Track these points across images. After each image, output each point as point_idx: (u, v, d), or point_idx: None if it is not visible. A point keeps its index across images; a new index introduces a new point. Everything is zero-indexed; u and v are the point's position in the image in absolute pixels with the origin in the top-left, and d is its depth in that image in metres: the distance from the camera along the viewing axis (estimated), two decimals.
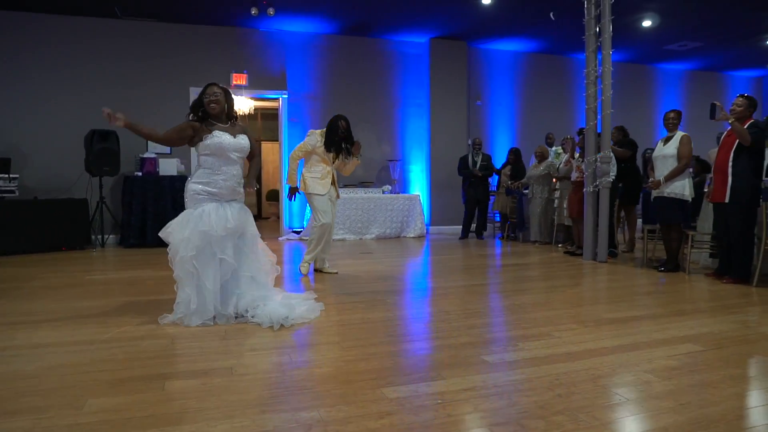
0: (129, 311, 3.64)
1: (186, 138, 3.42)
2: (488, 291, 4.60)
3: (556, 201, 7.49)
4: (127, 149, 7.60)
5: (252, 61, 8.54)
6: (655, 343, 2.93)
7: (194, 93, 8.17)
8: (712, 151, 8.45)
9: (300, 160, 5.17)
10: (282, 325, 3.20)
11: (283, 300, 3.54)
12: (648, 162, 7.89)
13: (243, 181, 3.56)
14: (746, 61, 10.48)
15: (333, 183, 5.16)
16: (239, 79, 8.42)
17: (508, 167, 8.51)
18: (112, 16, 7.75)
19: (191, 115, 3.48)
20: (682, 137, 5.18)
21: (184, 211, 3.39)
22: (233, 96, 3.66)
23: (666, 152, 5.23)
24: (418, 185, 9.54)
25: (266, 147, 12.57)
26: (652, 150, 8.63)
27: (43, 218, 6.82)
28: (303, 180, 5.10)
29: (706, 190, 5.63)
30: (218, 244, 3.29)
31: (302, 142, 5.12)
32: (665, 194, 5.20)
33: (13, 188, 6.84)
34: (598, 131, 5.97)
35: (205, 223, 3.28)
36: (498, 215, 9.02)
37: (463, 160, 8.51)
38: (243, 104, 9.55)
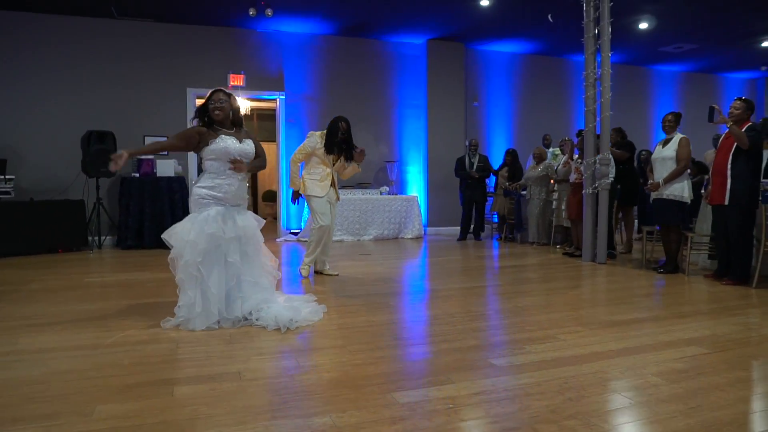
0: (130, 314, 3.61)
1: (193, 144, 3.41)
2: (490, 293, 4.61)
3: (554, 202, 7.51)
4: None
5: (249, 62, 8.51)
6: (660, 345, 2.94)
7: (191, 94, 8.24)
8: (708, 153, 8.52)
9: (301, 163, 5.15)
10: (288, 328, 3.20)
11: (286, 302, 3.54)
12: (644, 163, 7.96)
13: (247, 186, 3.57)
14: (741, 63, 10.56)
15: (333, 185, 5.15)
16: (236, 79, 8.40)
17: (506, 168, 8.53)
18: (109, 16, 7.69)
19: (197, 120, 3.47)
20: (680, 139, 5.21)
21: (190, 215, 3.39)
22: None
23: (665, 154, 5.26)
24: (416, 186, 9.54)
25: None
26: (648, 151, 8.74)
27: (39, 220, 6.77)
28: (302, 182, 5.07)
29: (703, 191, 5.67)
30: (226, 246, 3.29)
31: (302, 144, 5.10)
32: (664, 196, 5.22)
33: (8, 189, 6.78)
34: (597, 133, 6.00)
35: (212, 225, 3.27)
36: (496, 216, 9.04)
37: (460, 162, 8.51)
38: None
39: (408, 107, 9.44)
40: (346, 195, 8.44)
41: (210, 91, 3.49)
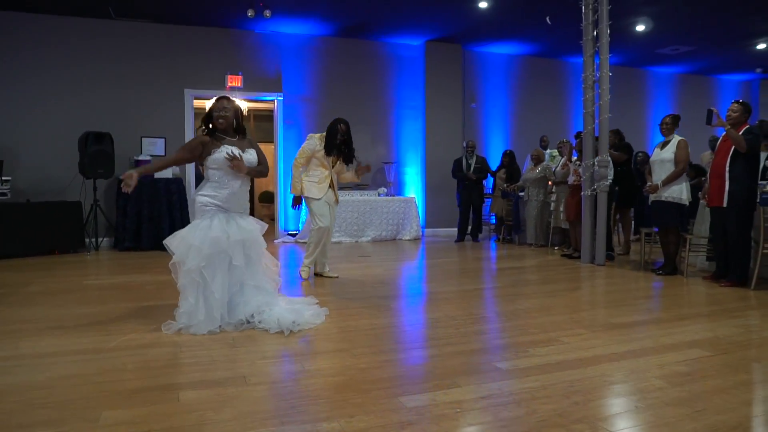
0: (131, 318, 3.60)
1: (197, 154, 3.42)
2: (491, 295, 4.61)
3: (552, 204, 7.54)
4: (122, 152, 7.52)
5: (247, 63, 8.50)
6: (663, 348, 2.96)
7: (189, 95, 8.22)
8: (705, 154, 8.60)
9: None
10: (291, 331, 3.19)
11: (288, 305, 3.54)
12: (640, 165, 8.00)
13: (248, 195, 3.58)
14: (736, 64, 10.63)
15: (332, 187, 5.14)
16: (234, 80, 8.39)
17: (503, 170, 8.54)
18: (107, 16, 7.66)
19: (203, 128, 3.47)
20: (679, 142, 5.24)
21: (193, 222, 3.41)
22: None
23: (663, 157, 5.28)
24: (413, 188, 9.55)
25: None
26: (645, 153, 8.78)
27: (36, 221, 6.72)
28: (301, 183, 5.08)
29: (701, 194, 5.70)
30: (231, 250, 3.30)
31: (302, 148, 5.11)
32: (663, 198, 5.25)
33: (5, 191, 6.74)
34: (596, 135, 6.02)
35: (216, 230, 3.28)
36: (494, 218, 9.06)
37: (457, 163, 8.53)
38: None
39: (406, 108, 9.45)
40: (344, 196, 8.43)
41: (215, 98, 3.49)
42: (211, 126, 3.45)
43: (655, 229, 5.64)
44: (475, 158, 8.46)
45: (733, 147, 4.66)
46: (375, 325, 3.46)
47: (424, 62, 9.30)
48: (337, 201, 5.26)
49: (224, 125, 3.43)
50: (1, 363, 2.68)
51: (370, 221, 8.62)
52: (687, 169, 5.31)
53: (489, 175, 8.74)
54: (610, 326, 3.43)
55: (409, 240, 8.69)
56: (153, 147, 7.98)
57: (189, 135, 8.25)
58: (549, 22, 7.65)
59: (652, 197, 5.39)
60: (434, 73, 9.30)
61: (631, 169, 6.91)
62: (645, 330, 3.36)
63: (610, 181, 6.00)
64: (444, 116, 9.40)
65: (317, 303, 3.76)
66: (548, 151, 8.71)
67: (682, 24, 8.28)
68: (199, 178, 7.79)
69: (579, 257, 6.31)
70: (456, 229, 8.74)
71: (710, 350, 2.92)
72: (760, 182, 4.96)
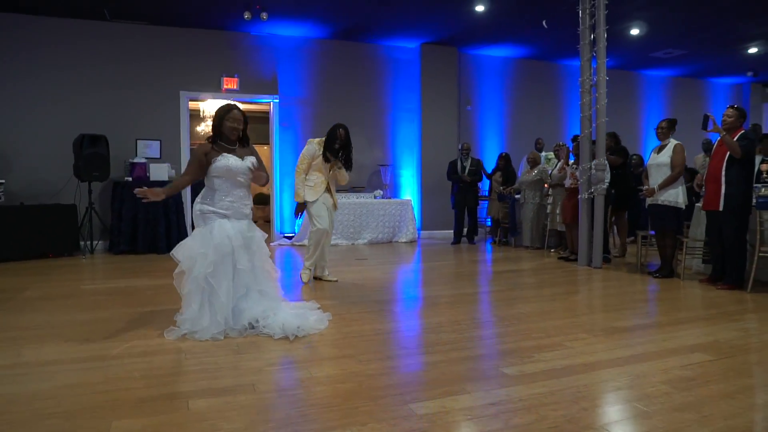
0: (132, 324, 3.57)
1: (204, 165, 3.40)
2: (491, 299, 4.63)
3: (549, 206, 7.58)
4: (117, 154, 7.47)
5: (243, 65, 8.47)
6: (666, 352, 2.98)
7: (185, 97, 8.18)
8: (698, 157, 8.69)
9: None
10: (296, 336, 3.19)
11: (292, 310, 3.54)
12: (633, 167, 8.06)
13: (250, 203, 3.57)
14: (728, 68, 10.75)
15: (329, 191, 5.14)
16: (230, 83, 8.36)
17: (499, 173, 8.58)
18: (102, 18, 7.60)
19: (210, 137, 3.46)
20: (675, 146, 5.28)
21: (195, 230, 3.42)
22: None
23: (660, 161, 5.33)
24: (409, 190, 9.56)
25: None
26: (639, 156, 8.85)
27: (30, 224, 6.66)
28: (296, 190, 5.11)
29: (697, 179, 5.75)
30: (237, 254, 3.31)
31: (302, 153, 5.11)
32: (659, 202, 5.29)
33: None
34: (593, 139, 6.06)
35: (216, 237, 3.28)
36: (490, 220, 9.09)
37: (453, 165, 8.55)
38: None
39: (401, 111, 9.46)
40: (340, 199, 8.41)
41: (224, 105, 3.45)
42: (219, 134, 3.43)
43: (651, 232, 5.70)
44: (470, 160, 8.49)
45: (728, 152, 4.71)
46: (378, 330, 3.46)
47: (420, 65, 9.32)
48: (335, 206, 5.25)
49: (236, 135, 3.44)
50: (5, 371, 2.65)
51: (367, 224, 8.63)
52: (683, 173, 5.37)
53: (484, 177, 8.77)
54: (612, 330, 3.46)
55: (405, 242, 8.70)
56: (148, 149, 7.93)
57: (184, 137, 8.22)
58: (545, 26, 7.69)
59: (648, 201, 5.44)
60: (430, 76, 9.33)
61: (626, 172, 6.96)
62: (647, 334, 3.39)
63: (607, 184, 6.04)
64: (440, 119, 9.43)
65: (319, 308, 3.76)
66: (543, 153, 8.76)
67: (675, 28, 8.37)
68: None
69: (576, 260, 6.35)
70: (452, 231, 8.77)
71: (712, 354, 2.95)
72: (755, 185, 5.02)
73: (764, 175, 5.27)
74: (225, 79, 8.30)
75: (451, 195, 8.72)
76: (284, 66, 8.73)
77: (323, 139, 5.08)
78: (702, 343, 3.18)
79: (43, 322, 3.65)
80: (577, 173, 6.25)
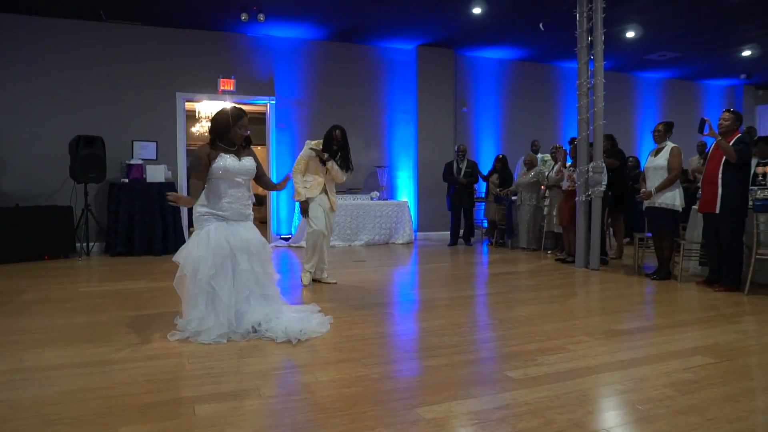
0: (132, 327, 3.56)
1: (208, 167, 3.40)
2: (491, 302, 4.64)
3: (546, 208, 7.61)
4: (113, 155, 7.42)
5: (240, 67, 8.45)
6: (667, 355, 3.01)
7: (181, 98, 8.15)
8: (693, 159, 8.75)
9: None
10: (298, 339, 3.19)
11: (294, 313, 3.54)
12: (630, 170, 8.10)
13: (250, 203, 3.57)
14: (722, 70, 10.84)
15: (325, 192, 5.13)
16: (227, 84, 8.33)
17: (495, 175, 8.60)
18: (97, 19, 7.56)
19: (211, 139, 3.45)
20: (672, 149, 5.32)
21: (194, 233, 3.41)
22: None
23: (657, 164, 5.36)
24: (406, 191, 9.57)
25: None
26: (635, 158, 8.90)
27: (26, 226, 6.61)
28: (296, 189, 5.11)
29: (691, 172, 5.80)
30: (239, 255, 3.31)
31: (300, 155, 5.11)
32: (657, 204, 5.33)
33: None
34: (590, 141, 6.09)
35: (214, 239, 3.29)
36: (486, 221, 9.11)
37: (449, 167, 8.56)
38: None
39: (398, 112, 9.47)
40: (337, 201, 8.41)
41: (232, 110, 3.42)
42: (222, 137, 3.41)
43: (648, 234, 5.73)
44: (466, 162, 8.51)
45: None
46: (380, 334, 3.47)
47: (416, 66, 9.33)
48: (333, 208, 5.24)
49: (241, 141, 3.45)
50: (7, 377, 2.63)
51: (364, 225, 8.63)
52: (680, 175, 5.41)
53: (480, 179, 8.79)
54: (613, 333, 3.48)
55: (402, 244, 8.71)
56: (144, 151, 7.89)
57: (181, 138, 8.18)
58: (542, 29, 7.72)
59: (646, 203, 5.47)
60: (427, 78, 9.34)
61: (623, 174, 7.00)
62: (647, 337, 3.41)
63: (605, 186, 6.07)
64: (436, 120, 9.44)
65: (320, 311, 3.76)
66: (540, 155, 8.80)
67: (670, 31, 8.43)
68: None
69: (573, 262, 6.38)
70: (448, 233, 8.78)
71: (713, 357, 2.98)
72: (751, 188, 5.07)
73: (760, 178, 5.31)
74: (221, 80, 8.28)
75: (446, 196, 8.73)
76: (281, 67, 8.72)
77: (320, 141, 5.08)
78: (702, 345, 3.21)
79: (43, 325, 3.63)
80: (575, 175, 6.28)
